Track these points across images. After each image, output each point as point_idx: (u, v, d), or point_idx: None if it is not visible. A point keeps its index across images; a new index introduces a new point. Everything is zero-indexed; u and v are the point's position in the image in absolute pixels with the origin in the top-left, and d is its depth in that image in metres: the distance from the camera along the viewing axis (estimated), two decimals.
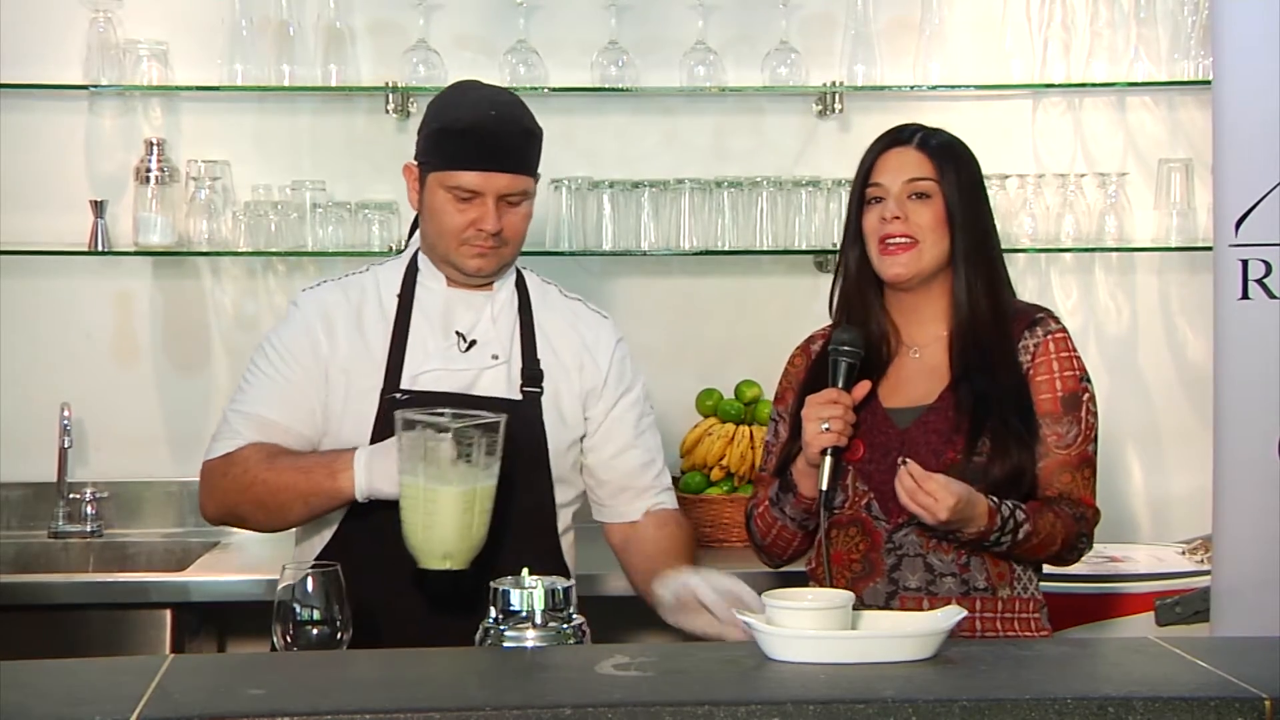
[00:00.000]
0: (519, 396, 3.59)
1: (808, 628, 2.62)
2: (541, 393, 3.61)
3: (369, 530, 3.49)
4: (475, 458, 3.20)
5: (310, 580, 2.99)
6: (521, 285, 3.71)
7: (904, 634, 2.64)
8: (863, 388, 3.45)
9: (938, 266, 3.47)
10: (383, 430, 3.48)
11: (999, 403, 3.40)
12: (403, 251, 3.74)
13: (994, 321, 3.46)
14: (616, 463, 3.70)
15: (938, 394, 3.45)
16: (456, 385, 3.56)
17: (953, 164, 3.48)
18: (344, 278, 3.70)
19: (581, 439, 3.69)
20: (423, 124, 3.62)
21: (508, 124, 3.56)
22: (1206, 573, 4.28)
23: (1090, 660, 2.70)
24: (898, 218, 3.45)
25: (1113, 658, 2.76)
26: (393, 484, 3.27)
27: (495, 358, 3.60)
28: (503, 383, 3.60)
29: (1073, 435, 3.43)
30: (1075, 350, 3.49)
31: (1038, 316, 3.49)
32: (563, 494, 3.65)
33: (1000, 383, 3.42)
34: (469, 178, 3.51)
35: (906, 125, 3.56)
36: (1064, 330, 3.49)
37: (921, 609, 3.31)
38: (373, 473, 3.37)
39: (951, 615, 2.66)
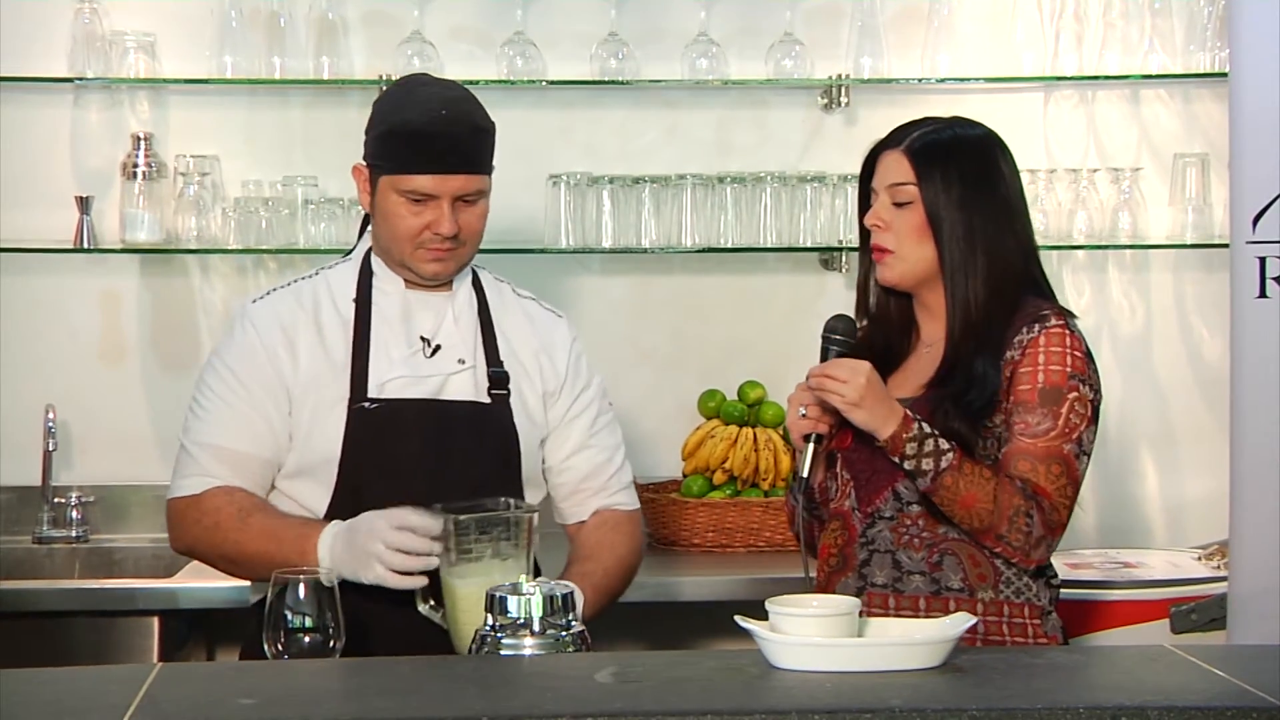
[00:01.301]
0: (488, 399, 3.56)
1: (813, 635, 2.61)
2: (509, 394, 3.59)
3: None
4: (498, 551, 3.23)
5: (302, 587, 2.98)
6: (478, 284, 3.67)
7: (912, 641, 2.64)
8: None
9: (927, 272, 3.41)
10: (355, 441, 3.47)
11: (966, 400, 3.32)
12: (350, 253, 3.68)
13: (984, 329, 3.36)
14: (571, 463, 3.67)
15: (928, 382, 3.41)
16: (424, 391, 3.53)
17: (938, 167, 3.39)
18: (293, 284, 3.63)
19: (544, 440, 3.66)
20: (370, 124, 3.59)
21: (459, 123, 3.51)
22: (1223, 579, 4.25)
23: (1103, 669, 2.70)
24: (877, 224, 3.42)
25: (1126, 666, 2.76)
26: (350, 571, 3.27)
27: (461, 362, 3.57)
28: (470, 387, 3.56)
29: (1043, 428, 3.30)
30: (1075, 348, 3.36)
31: (1041, 313, 3.38)
32: (532, 496, 3.61)
33: (976, 383, 3.33)
34: (422, 181, 3.47)
35: (908, 124, 3.48)
36: (1064, 327, 3.37)
37: (887, 607, 3.32)
38: (335, 556, 3.34)
39: (960, 622, 2.64)
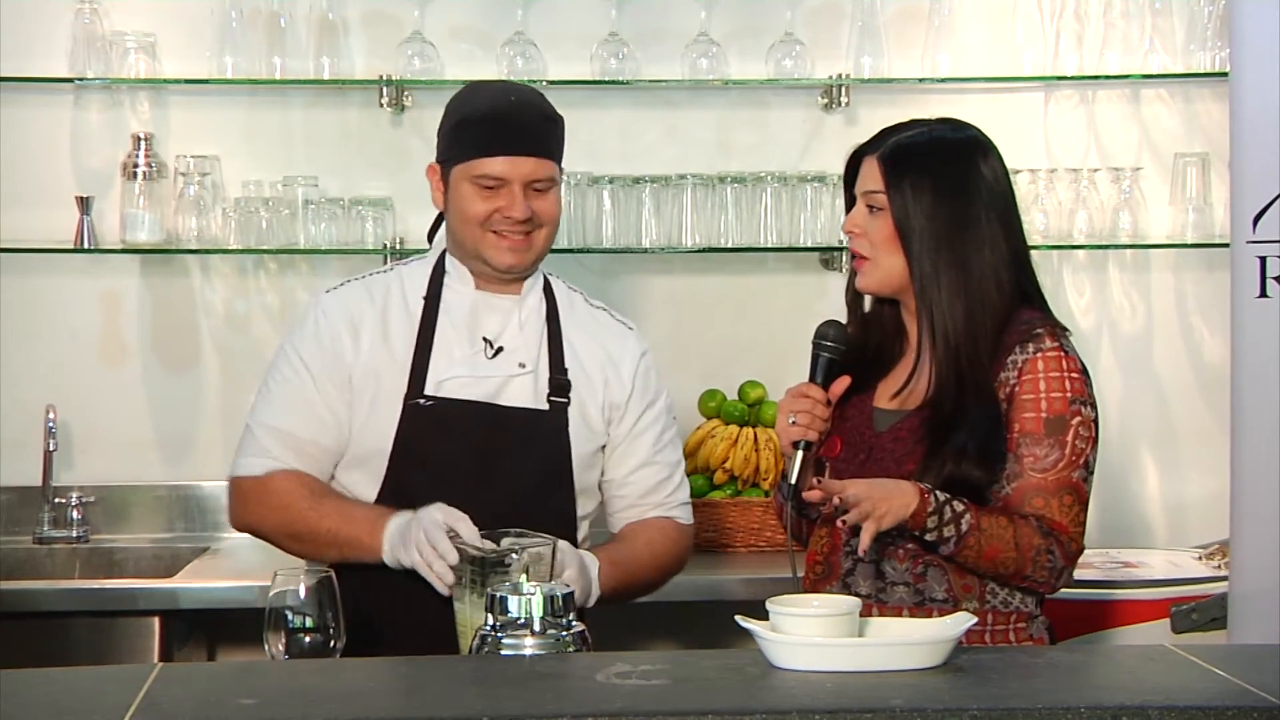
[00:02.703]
0: (545, 406, 3.55)
1: (814, 635, 2.60)
2: (568, 403, 3.57)
3: None
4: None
5: (303, 587, 2.96)
6: (549, 291, 3.66)
7: (912, 641, 2.63)
8: (841, 384, 3.38)
9: (902, 281, 3.36)
10: (406, 436, 3.48)
11: (962, 427, 3.28)
12: (427, 251, 3.69)
13: (966, 342, 3.30)
14: (633, 479, 3.66)
15: (919, 402, 3.36)
16: (482, 393, 3.53)
17: (909, 174, 3.33)
18: (368, 277, 3.65)
19: (602, 449, 3.64)
20: (441, 124, 3.61)
21: (528, 109, 3.55)
22: (1224, 578, 4.25)
23: (1104, 668, 2.72)
24: (853, 231, 3.39)
25: (1127, 666, 2.77)
26: (396, 551, 3.34)
27: (522, 366, 3.56)
28: (529, 392, 3.55)
29: (1052, 459, 3.26)
30: (1072, 371, 3.31)
31: (1034, 332, 3.32)
32: (584, 506, 3.61)
33: (967, 406, 3.29)
34: (493, 164, 3.48)
35: (890, 127, 3.42)
36: (1059, 349, 3.31)
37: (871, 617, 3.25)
38: (393, 544, 3.37)
39: (961, 622, 2.64)
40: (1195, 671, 2.60)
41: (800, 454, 3.34)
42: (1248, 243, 3.99)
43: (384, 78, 4.92)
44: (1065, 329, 3.38)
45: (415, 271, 3.63)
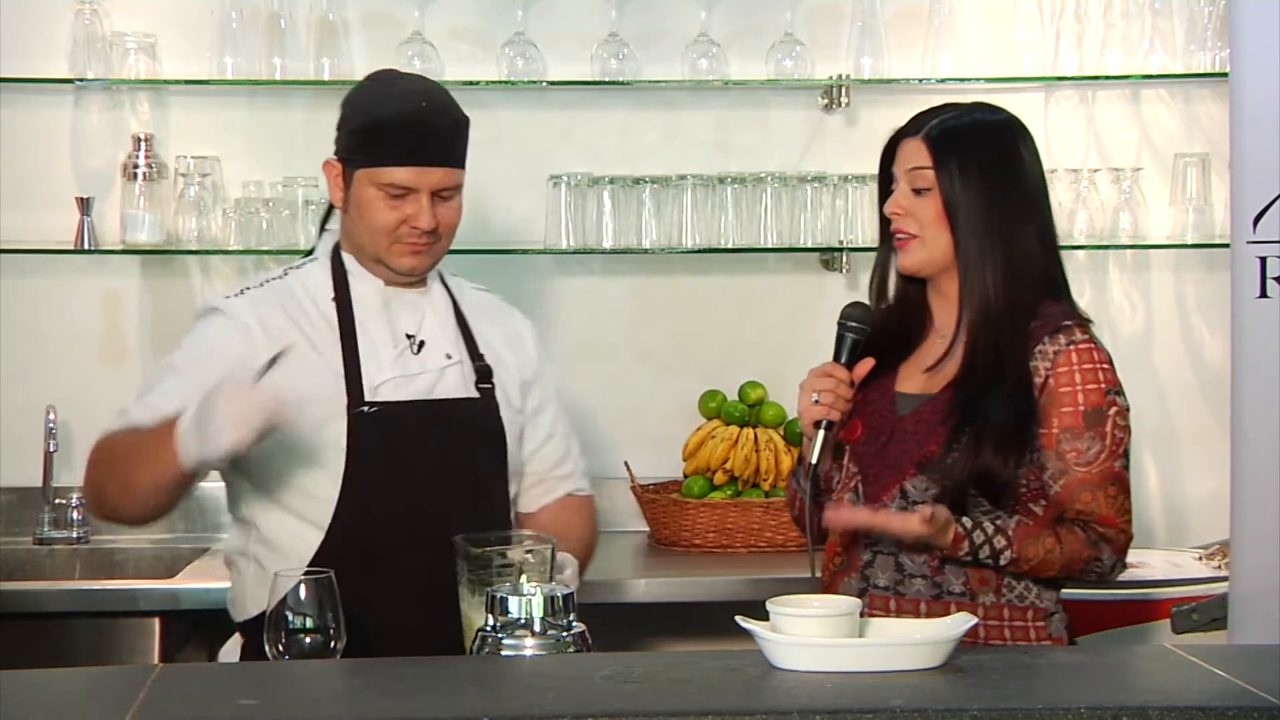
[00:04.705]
0: (476, 394, 3.56)
1: (814, 635, 2.60)
2: (493, 388, 3.58)
3: (359, 537, 3.45)
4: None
5: (304, 588, 2.96)
6: (441, 280, 3.66)
7: (912, 642, 2.63)
8: (865, 365, 3.39)
9: (947, 259, 3.39)
10: (358, 444, 3.44)
11: (993, 404, 3.30)
12: (313, 251, 3.65)
13: (1009, 321, 3.34)
14: (541, 452, 3.69)
15: (943, 385, 3.38)
16: (418, 391, 3.51)
17: (955, 154, 3.37)
18: (265, 284, 3.56)
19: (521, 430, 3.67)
20: (344, 119, 3.56)
21: (438, 115, 3.50)
22: (1224, 579, 4.24)
23: (1104, 669, 2.70)
24: (897, 212, 3.40)
25: (1128, 666, 2.78)
26: (207, 442, 3.13)
27: (449, 357, 3.56)
28: (460, 382, 3.56)
29: (1094, 452, 3.31)
30: (1103, 362, 3.35)
31: (1064, 324, 3.35)
32: (513, 488, 3.64)
33: (1001, 384, 3.32)
34: (402, 174, 3.44)
35: (928, 110, 3.46)
36: (1090, 341, 3.36)
37: (889, 610, 3.31)
38: (186, 432, 3.18)
39: (961, 622, 2.64)
40: (1195, 671, 2.59)
41: (822, 434, 3.34)
42: (1248, 243, 3.97)
43: None
44: (1089, 319, 3.42)
45: (312, 274, 3.57)
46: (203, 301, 3.72)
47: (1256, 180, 3.97)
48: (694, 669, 2.65)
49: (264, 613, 2.97)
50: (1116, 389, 3.35)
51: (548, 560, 3.22)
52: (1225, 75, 4.31)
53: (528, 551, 3.19)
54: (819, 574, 3.44)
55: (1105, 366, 3.35)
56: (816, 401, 3.34)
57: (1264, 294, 3.96)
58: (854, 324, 3.38)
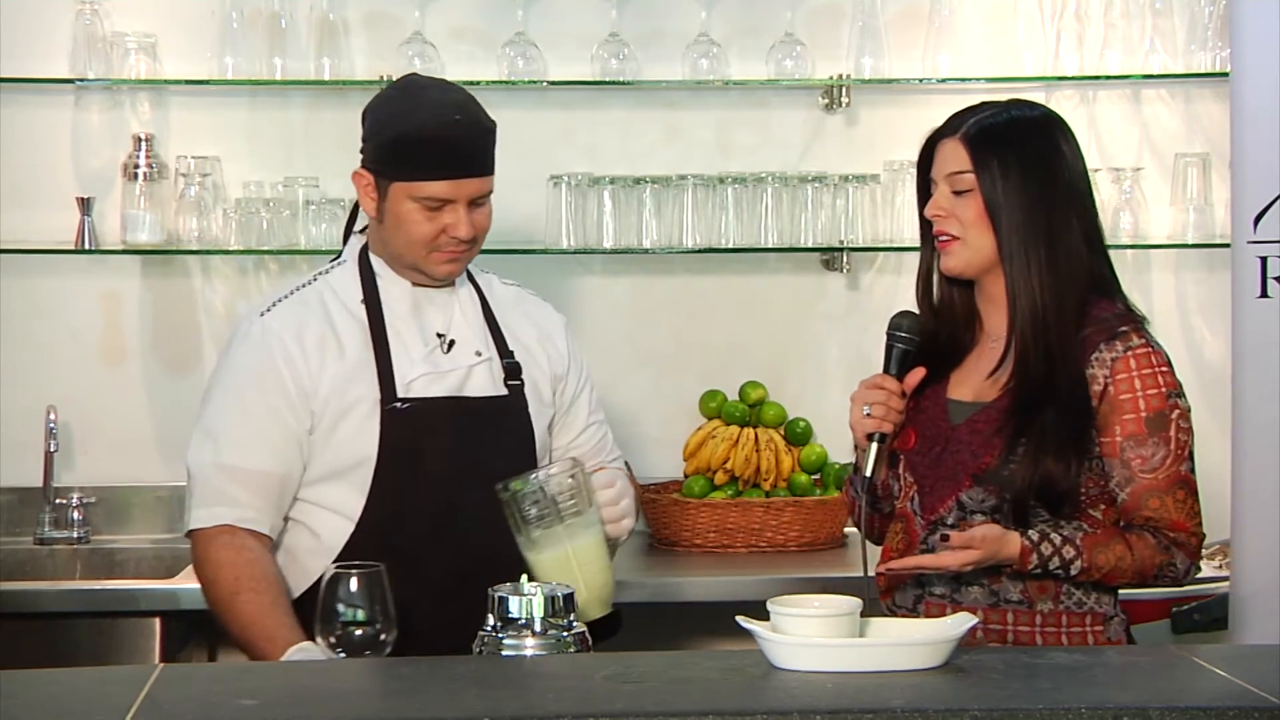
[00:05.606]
0: (505, 391, 3.60)
1: (814, 635, 2.60)
2: (523, 384, 3.62)
3: (377, 540, 3.46)
4: (562, 517, 3.26)
5: (354, 580, 2.99)
6: (470, 277, 3.69)
7: (913, 642, 2.64)
8: (916, 375, 3.35)
9: (991, 259, 3.34)
10: (390, 442, 3.48)
11: (1048, 412, 3.27)
12: (340, 255, 3.68)
13: (1057, 323, 3.30)
14: (578, 441, 3.74)
15: (997, 393, 3.34)
16: (448, 388, 3.55)
17: (994, 153, 3.32)
18: (296, 292, 3.61)
19: (551, 422, 3.71)
20: (373, 131, 3.58)
21: (472, 127, 3.53)
22: (1225, 579, 4.25)
23: (1105, 669, 2.70)
24: (939, 214, 3.36)
25: (1128, 666, 2.76)
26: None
27: (479, 354, 3.60)
28: (489, 380, 3.60)
29: (1159, 458, 3.27)
30: (1162, 365, 3.32)
31: (1120, 330, 3.32)
32: None
33: (1055, 391, 3.28)
34: (440, 187, 3.48)
35: (965, 110, 3.42)
36: (1147, 345, 3.32)
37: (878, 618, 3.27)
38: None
39: (962, 622, 2.64)
40: (1197, 672, 2.60)
41: (875, 446, 3.31)
42: (1248, 243, 3.99)
43: (384, 78, 4.85)
44: (1144, 318, 3.39)
45: (341, 278, 3.61)
46: (236, 315, 3.75)
47: (1257, 180, 3.98)
48: (694, 669, 2.66)
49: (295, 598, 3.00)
50: (1177, 391, 3.32)
51: (582, 483, 3.28)
52: (1226, 75, 4.34)
53: (569, 476, 3.25)
54: (873, 573, 3.37)
55: (1164, 370, 3.32)
56: (868, 414, 3.31)
57: (1264, 294, 3.97)
58: (903, 334, 3.35)
